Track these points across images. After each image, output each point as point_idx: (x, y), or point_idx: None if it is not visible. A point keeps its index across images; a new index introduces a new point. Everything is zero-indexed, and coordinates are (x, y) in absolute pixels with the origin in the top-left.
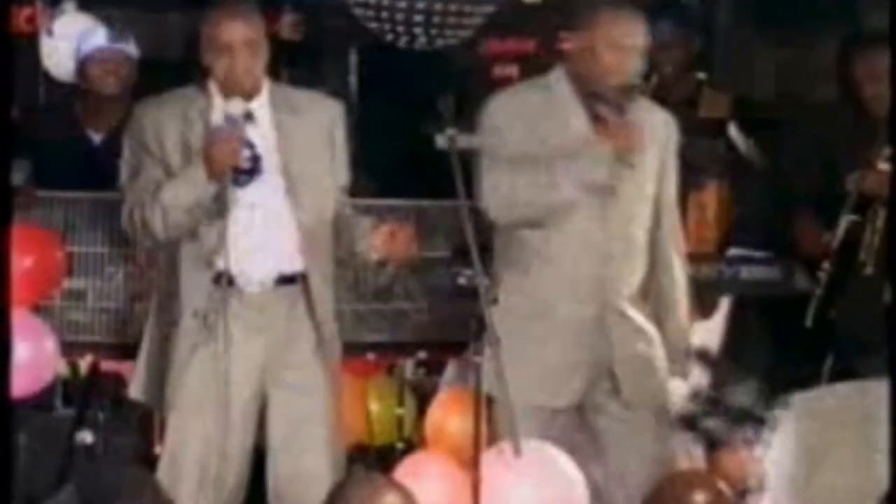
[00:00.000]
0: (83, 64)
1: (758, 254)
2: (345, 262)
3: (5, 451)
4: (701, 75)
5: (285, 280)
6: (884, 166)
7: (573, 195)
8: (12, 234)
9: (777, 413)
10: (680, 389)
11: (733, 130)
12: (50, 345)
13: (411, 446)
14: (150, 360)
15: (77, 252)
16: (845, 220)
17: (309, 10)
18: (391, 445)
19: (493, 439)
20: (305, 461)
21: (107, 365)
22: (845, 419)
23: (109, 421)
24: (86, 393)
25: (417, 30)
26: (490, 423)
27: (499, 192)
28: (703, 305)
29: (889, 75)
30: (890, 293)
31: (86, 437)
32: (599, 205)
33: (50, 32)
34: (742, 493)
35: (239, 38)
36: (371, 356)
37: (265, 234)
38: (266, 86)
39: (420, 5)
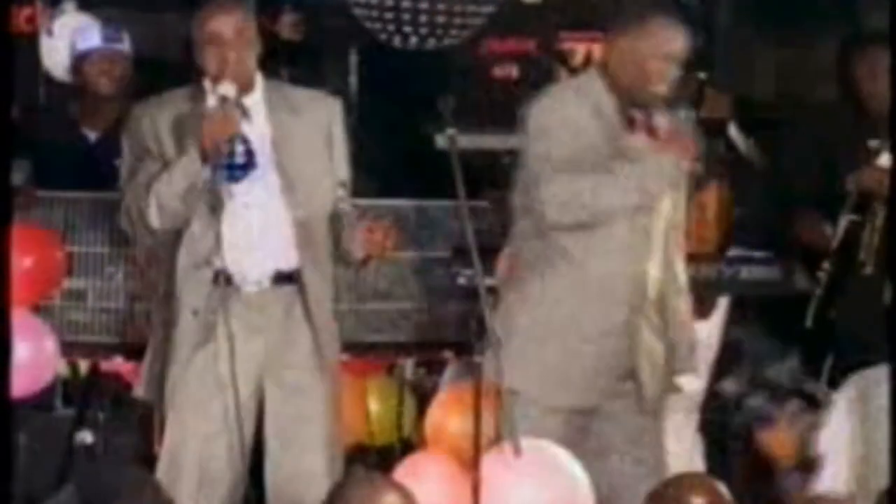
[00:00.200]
0: (78, 63)
1: (758, 254)
2: (343, 260)
3: (5, 451)
4: (701, 75)
5: (283, 279)
6: (882, 164)
7: (638, 201)
8: (12, 234)
9: (832, 392)
10: (692, 384)
11: (733, 130)
12: (50, 345)
13: (411, 446)
14: (152, 360)
15: (77, 252)
16: (845, 220)
17: (309, 10)
18: (391, 445)
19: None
20: (304, 460)
21: (107, 365)
22: None
23: (109, 421)
24: (86, 393)
25: (423, 30)
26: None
27: (559, 195)
28: (702, 305)
29: (889, 75)
30: (890, 293)
31: (86, 437)
32: (647, 210)
33: (50, 32)
34: (803, 467)
35: (228, 28)
36: (371, 356)
37: (261, 232)
38: (260, 83)
39: (424, 5)
